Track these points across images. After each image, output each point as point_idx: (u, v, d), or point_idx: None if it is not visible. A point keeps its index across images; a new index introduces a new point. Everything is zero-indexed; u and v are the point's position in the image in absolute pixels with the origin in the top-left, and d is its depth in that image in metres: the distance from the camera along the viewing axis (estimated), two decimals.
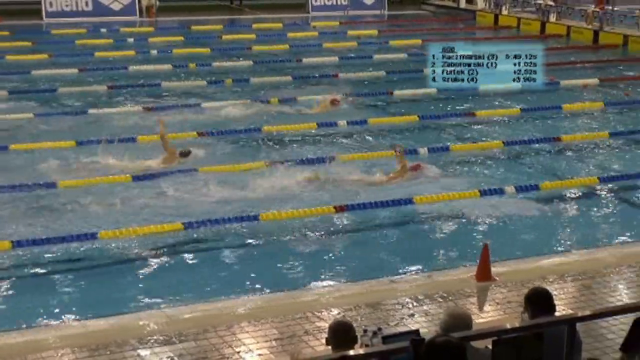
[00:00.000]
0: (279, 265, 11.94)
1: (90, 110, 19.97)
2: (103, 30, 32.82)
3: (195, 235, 12.74)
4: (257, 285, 11.07)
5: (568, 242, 13.07)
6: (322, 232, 13.11)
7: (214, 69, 25.57)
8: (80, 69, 24.91)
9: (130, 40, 30.54)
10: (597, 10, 33.37)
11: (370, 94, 22.38)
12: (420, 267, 11.72)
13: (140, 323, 9.50)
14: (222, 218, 13.11)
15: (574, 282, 10.91)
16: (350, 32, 32.97)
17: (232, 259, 12.14)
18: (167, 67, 25.60)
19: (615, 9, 33.89)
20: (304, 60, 27.05)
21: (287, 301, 10.25)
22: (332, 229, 13.28)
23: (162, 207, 13.91)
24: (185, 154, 16.21)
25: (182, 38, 30.97)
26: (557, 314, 7.29)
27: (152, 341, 8.99)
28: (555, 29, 34.35)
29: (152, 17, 36.30)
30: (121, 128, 18.46)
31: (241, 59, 27.17)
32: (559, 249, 12.69)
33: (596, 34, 32.60)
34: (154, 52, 28.24)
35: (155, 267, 11.80)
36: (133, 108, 20.44)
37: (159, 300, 10.58)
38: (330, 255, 12.36)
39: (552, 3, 35.49)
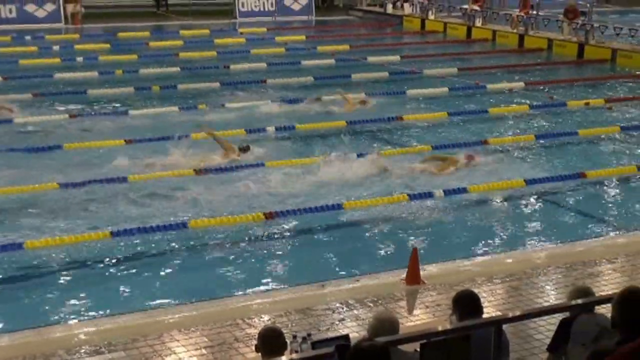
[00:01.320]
0: (209, 272, 11.90)
1: (16, 119, 19.68)
2: (28, 37, 32.36)
3: (123, 244, 12.62)
4: (187, 293, 10.99)
5: (496, 245, 13.20)
6: (252, 239, 13.08)
7: (141, 76, 25.37)
8: (4, 77, 24.54)
9: (56, 47, 30.16)
10: (522, 14, 33.80)
11: (299, 99, 22.38)
12: (350, 271, 11.75)
13: (69, 333, 9.38)
14: (150, 226, 13.01)
15: (502, 283, 11.02)
16: (278, 38, 32.97)
17: (162, 266, 12.03)
18: (93, 74, 25.34)
19: (540, 13, 34.36)
20: (232, 66, 26.97)
21: (217, 308, 10.19)
22: (262, 235, 13.26)
23: (91, 215, 13.78)
24: (244, 150, 16.95)
25: (108, 45, 30.70)
26: (485, 315, 7.36)
27: (81, 352, 8.88)
28: (481, 33, 34.73)
29: (78, 24, 35.92)
30: (47, 135, 18.28)
31: (168, 65, 26.97)
32: (487, 251, 12.80)
33: (521, 38, 33.03)
34: (80, 59, 27.93)
35: (83, 276, 11.65)
36: (59, 116, 20.19)
37: (87, 310, 10.46)
38: (261, 261, 12.33)
39: (477, 8, 35.85)
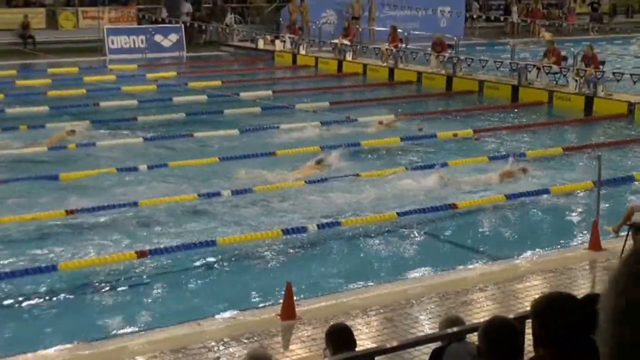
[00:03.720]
0: (81, 314, 11.65)
1: None
2: None
3: None
4: (59, 337, 10.73)
5: (371, 277, 13.27)
6: (126, 278, 12.88)
7: (7, 116, 24.72)
8: None
9: None
10: (391, 48, 34.31)
11: (170, 136, 22.20)
12: (225, 308, 11.66)
13: None
14: (18, 270, 12.67)
15: (377, 315, 11.09)
16: (149, 75, 32.63)
17: (33, 310, 11.74)
18: None
19: (409, 47, 34.94)
20: (102, 104, 26.53)
21: (91, 351, 9.99)
22: (136, 274, 13.06)
23: None
24: (319, 162, 19.05)
25: None
26: (360, 348, 7.37)
27: None
28: (352, 67, 35.09)
29: None
30: None
31: (36, 104, 26.38)
32: (362, 283, 12.86)
33: (391, 71, 33.50)
34: None
35: None
36: None
37: None
38: (136, 301, 12.16)
39: (347, 42, 36.25)
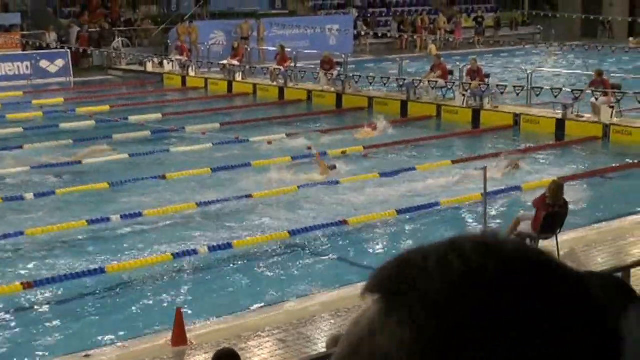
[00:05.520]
0: None
1: None
2: None
3: None
4: None
5: (264, 298, 13.21)
6: (11, 310, 12.57)
7: None
8: None
9: None
10: (279, 68, 34.34)
11: (57, 164, 21.77)
12: (115, 337, 11.47)
13: None
14: None
15: (269, 337, 11.03)
16: (35, 102, 31.97)
17: None
18: None
19: (298, 65, 35.06)
20: None
21: None
22: (21, 306, 12.76)
23: None
24: (333, 167, 20.38)
25: None
26: None
27: None
28: (242, 87, 35.00)
29: None
30: None
31: None
32: (255, 305, 12.78)
33: (281, 90, 33.53)
34: None
35: None
36: None
37: None
38: (22, 333, 11.88)
39: (236, 63, 36.17)
